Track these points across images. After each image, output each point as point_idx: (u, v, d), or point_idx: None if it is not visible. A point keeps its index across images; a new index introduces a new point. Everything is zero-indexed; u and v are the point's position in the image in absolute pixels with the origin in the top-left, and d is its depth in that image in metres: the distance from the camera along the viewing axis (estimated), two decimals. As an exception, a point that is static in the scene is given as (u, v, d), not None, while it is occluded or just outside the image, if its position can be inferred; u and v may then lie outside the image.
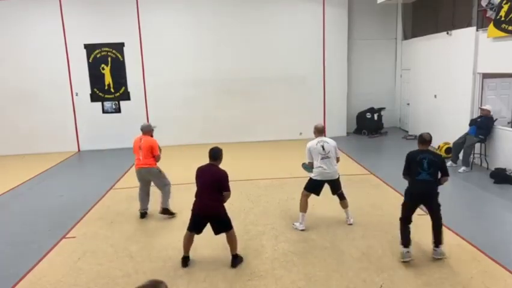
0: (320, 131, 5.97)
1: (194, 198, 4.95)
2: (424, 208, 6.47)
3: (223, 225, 4.88)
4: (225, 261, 5.02)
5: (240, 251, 5.21)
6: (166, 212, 6.49)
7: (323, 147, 5.77)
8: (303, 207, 5.88)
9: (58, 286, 4.68)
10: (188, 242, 4.98)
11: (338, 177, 5.95)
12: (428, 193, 4.86)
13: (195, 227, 4.91)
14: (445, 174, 4.96)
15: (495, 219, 6.20)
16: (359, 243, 5.39)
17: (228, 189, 4.83)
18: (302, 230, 5.85)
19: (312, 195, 5.96)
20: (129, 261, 5.18)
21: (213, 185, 4.78)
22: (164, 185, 6.49)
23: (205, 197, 4.79)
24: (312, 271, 4.74)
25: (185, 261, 5.01)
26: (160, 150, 6.55)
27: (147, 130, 6.56)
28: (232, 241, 4.94)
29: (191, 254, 5.07)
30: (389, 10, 13.31)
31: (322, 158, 5.73)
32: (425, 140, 5.02)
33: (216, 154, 4.92)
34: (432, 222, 4.92)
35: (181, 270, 4.89)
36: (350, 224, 5.98)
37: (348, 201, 6.30)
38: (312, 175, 5.84)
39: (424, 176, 4.77)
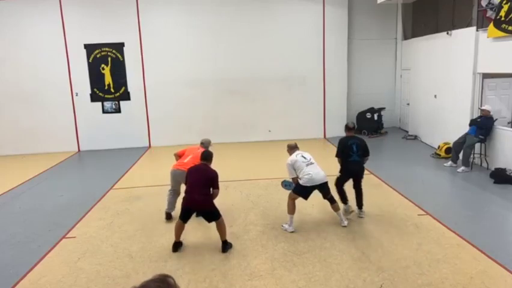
0: (293, 147, 6.07)
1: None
2: (424, 208, 6.53)
3: (213, 215, 5.33)
4: (225, 262, 5.03)
5: (240, 251, 5.25)
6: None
7: (303, 156, 5.83)
8: (291, 209, 5.85)
9: (58, 286, 4.68)
10: (179, 230, 5.39)
11: (327, 181, 5.87)
12: (358, 170, 6.20)
13: (185, 217, 5.36)
14: (367, 154, 6.26)
15: (495, 219, 6.20)
16: (359, 243, 5.39)
17: (218, 186, 5.36)
18: (292, 232, 5.80)
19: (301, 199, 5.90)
20: (129, 261, 5.18)
21: (205, 182, 5.26)
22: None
23: (196, 192, 5.20)
24: (312, 271, 4.74)
25: (177, 246, 5.39)
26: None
27: (207, 145, 6.66)
28: (221, 228, 5.34)
29: (190, 254, 5.08)
30: (389, 10, 13.31)
31: (307, 165, 5.72)
32: (349, 127, 6.38)
33: (207, 156, 5.53)
34: (356, 191, 6.27)
35: (181, 270, 4.89)
36: (345, 226, 5.91)
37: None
38: (301, 182, 5.70)
39: (355, 158, 6.08)
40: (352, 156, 6.07)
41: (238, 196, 7.48)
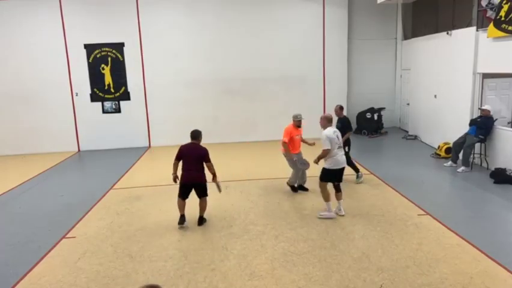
0: (330, 121, 6.29)
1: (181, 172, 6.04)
2: (424, 208, 6.53)
3: (203, 191, 6.12)
4: (225, 262, 5.03)
5: (240, 250, 5.27)
6: (292, 187, 7.57)
7: (337, 136, 6.11)
8: (327, 196, 6.17)
9: (58, 286, 4.68)
10: (182, 205, 6.11)
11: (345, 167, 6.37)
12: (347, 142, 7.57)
13: (184, 194, 6.08)
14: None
15: (495, 219, 6.20)
16: (359, 243, 5.39)
17: (209, 160, 6.05)
18: (332, 218, 6.09)
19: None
20: (129, 261, 5.18)
21: (197, 159, 6.01)
22: (293, 166, 7.40)
23: (192, 169, 5.98)
24: (312, 271, 4.74)
25: (183, 218, 6.09)
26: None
27: (299, 118, 7.32)
28: (204, 205, 6.17)
29: (190, 254, 5.07)
30: (389, 10, 13.31)
31: (338, 147, 6.08)
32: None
33: (196, 134, 6.17)
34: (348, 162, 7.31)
35: (181, 270, 4.89)
36: (342, 215, 6.13)
37: (348, 202, 6.31)
38: (327, 165, 6.08)
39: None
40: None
41: (238, 196, 7.48)
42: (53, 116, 12.27)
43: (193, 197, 6.36)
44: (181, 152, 6.10)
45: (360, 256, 5.04)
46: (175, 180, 6.17)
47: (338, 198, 6.27)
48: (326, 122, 6.20)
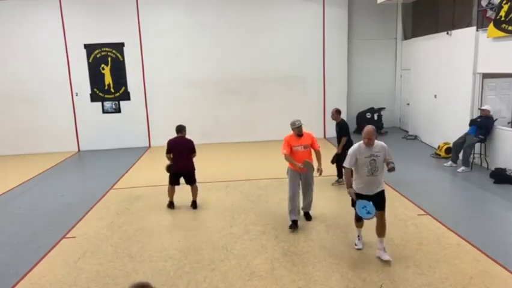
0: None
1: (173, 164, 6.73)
2: (424, 208, 6.52)
3: (192, 179, 6.89)
4: (225, 262, 5.04)
5: (240, 250, 5.27)
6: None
7: None
8: None
9: (58, 286, 4.68)
10: (172, 192, 6.95)
11: None
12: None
13: (175, 181, 6.89)
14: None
15: (495, 219, 6.19)
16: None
17: (195, 151, 6.88)
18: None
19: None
20: (129, 261, 5.18)
21: (187, 150, 6.76)
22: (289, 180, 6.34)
23: (183, 159, 6.74)
24: (312, 271, 4.74)
25: (172, 204, 6.94)
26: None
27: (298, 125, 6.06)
28: (195, 191, 6.94)
29: (190, 254, 5.07)
30: (389, 10, 13.31)
31: None
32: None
33: (181, 128, 6.87)
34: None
35: (181, 270, 4.89)
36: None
37: (347, 202, 6.29)
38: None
39: None
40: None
41: (238, 196, 7.48)
42: (53, 116, 12.27)
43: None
44: (170, 146, 6.78)
45: (360, 256, 5.04)
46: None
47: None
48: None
